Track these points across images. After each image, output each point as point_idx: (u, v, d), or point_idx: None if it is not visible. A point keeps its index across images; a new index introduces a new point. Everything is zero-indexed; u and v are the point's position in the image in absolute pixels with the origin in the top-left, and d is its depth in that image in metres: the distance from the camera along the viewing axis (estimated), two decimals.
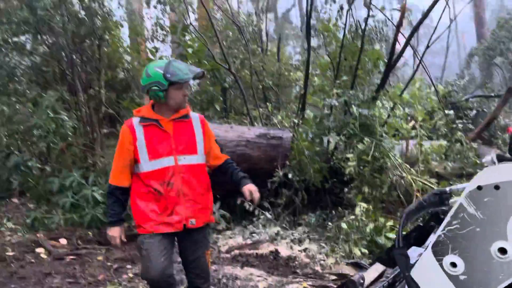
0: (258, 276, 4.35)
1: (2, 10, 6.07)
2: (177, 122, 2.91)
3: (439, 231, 2.13)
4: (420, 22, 6.04)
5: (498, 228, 1.94)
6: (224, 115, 8.74)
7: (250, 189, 2.99)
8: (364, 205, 4.93)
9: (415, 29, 6.21)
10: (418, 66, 6.80)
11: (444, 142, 7.41)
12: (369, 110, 5.75)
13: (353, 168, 5.51)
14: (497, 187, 1.94)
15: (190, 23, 8.67)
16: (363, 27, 6.12)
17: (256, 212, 6.20)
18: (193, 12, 9.50)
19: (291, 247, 5.31)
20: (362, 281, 2.46)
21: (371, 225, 4.87)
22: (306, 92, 6.64)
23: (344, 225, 4.79)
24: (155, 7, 9.90)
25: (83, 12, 7.40)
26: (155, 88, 2.79)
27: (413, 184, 5.65)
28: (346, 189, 6.10)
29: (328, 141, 6.16)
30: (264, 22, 12.08)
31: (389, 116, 6.55)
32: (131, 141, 2.86)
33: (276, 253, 5.12)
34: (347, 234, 4.77)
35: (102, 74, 8.32)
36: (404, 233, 2.35)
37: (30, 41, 7.80)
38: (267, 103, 8.92)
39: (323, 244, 5.30)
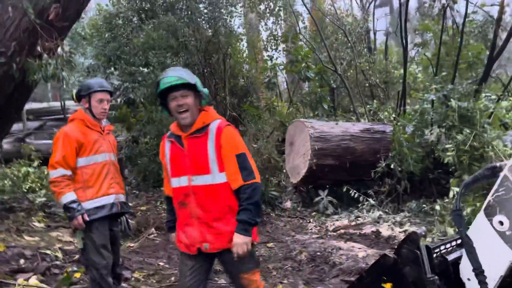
0: (359, 249, 5.11)
1: (155, 39, 7.80)
2: (191, 138, 2.62)
3: (489, 197, 2.74)
4: None
5: None
6: (332, 113, 9.52)
7: (235, 241, 2.55)
8: (456, 189, 5.33)
9: None
10: None
11: None
12: (469, 103, 6.03)
13: (452, 157, 5.87)
14: None
15: (299, 32, 9.66)
16: (461, 23, 6.38)
17: (361, 199, 6.92)
18: (302, 21, 10.47)
19: (392, 229, 5.93)
20: (424, 233, 3.12)
21: (468, 209, 5.24)
22: (405, 88, 7.11)
23: (437, 207, 5.26)
24: (268, 19, 11.12)
25: (210, 31, 8.91)
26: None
27: None
28: (451, 179, 6.43)
29: (431, 133, 6.58)
30: (372, 21, 12.49)
31: (495, 107, 6.67)
32: (163, 156, 2.77)
33: (377, 232, 5.80)
34: (442, 216, 5.24)
35: (226, 83, 9.80)
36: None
37: (169, 59, 9.62)
38: (374, 100, 9.47)
39: (423, 227, 5.79)
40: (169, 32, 7.55)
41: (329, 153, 7.20)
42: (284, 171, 8.23)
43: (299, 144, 7.55)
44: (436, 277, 2.87)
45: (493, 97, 6.83)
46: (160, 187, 9.59)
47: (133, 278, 4.42)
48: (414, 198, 7.03)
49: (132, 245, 5.64)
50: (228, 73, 10.44)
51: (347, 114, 9.66)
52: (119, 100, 10.29)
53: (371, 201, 6.76)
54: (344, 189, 7.08)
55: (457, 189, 5.36)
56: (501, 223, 2.67)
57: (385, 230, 5.89)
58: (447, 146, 5.97)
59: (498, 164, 2.98)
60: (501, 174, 2.67)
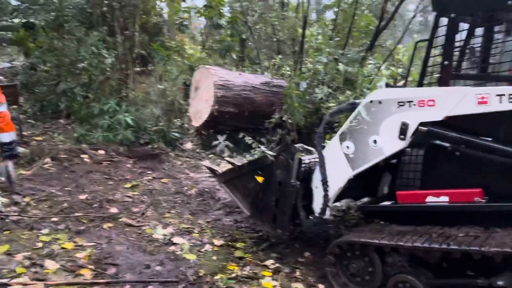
0: None
1: None
2: None
3: (344, 126, 3.42)
4: None
5: (376, 127, 3.23)
6: (239, 64, 9.91)
7: None
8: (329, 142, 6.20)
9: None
10: (404, 33, 7.72)
11: None
12: (354, 68, 6.82)
13: None
14: (380, 102, 3.18)
15: None
16: None
17: (254, 145, 7.58)
18: None
19: None
20: (301, 149, 3.81)
21: None
22: (303, 48, 7.74)
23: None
24: None
25: None
26: None
27: None
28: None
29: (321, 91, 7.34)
30: None
31: (376, 74, 7.61)
32: None
33: None
34: None
35: (137, 18, 9.57)
36: None
37: None
38: (279, 55, 10.03)
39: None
40: None
41: (230, 101, 7.66)
42: (188, 114, 8.56)
43: (203, 89, 7.88)
44: (298, 183, 3.62)
45: (377, 65, 7.74)
46: (58, 118, 9.36)
47: (23, 203, 4.57)
48: None
49: (24, 172, 5.66)
50: (141, 8, 10.16)
51: (254, 66, 10.12)
52: (16, 21, 9.53)
53: (263, 148, 7.45)
54: (241, 136, 7.66)
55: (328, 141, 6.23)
56: (348, 147, 3.42)
57: None
58: (331, 104, 6.77)
59: (357, 101, 3.68)
60: (357, 109, 3.36)
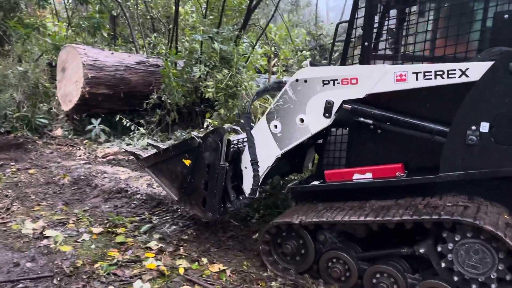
0: (123, 172, 5.59)
1: None
2: None
3: (271, 105, 3.43)
4: None
5: (302, 106, 3.23)
6: (112, 42, 9.36)
7: None
8: (210, 121, 6.31)
9: None
10: (274, 12, 8.11)
11: None
12: (229, 47, 6.95)
13: (212, 93, 6.79)
14: (306, 80, 3.19)
15: None
16: None
17: (133, 128, 7.33)
18: None
19: None
20: (229, 130, 3.75)
21: None
22: (177, 26, 7.63)
23: (194, 133, 6.12)
24: None
25: None
26: None
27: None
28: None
29: (199, 70, 7.34)
30: None
31: (251, 53, 7.85)
32: None
33: None
34: None
35: None
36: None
37: None
38: (154, 34, 9.71)
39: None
40: None
41: (103, 82, 7.24)
42: (56, 98, 7.87)
43: (71, 70, 7.29)
44: (227, 164, 3.57)
45: (251, 43, 7.99)
46: None
47: None
48: (182, 128, 7.86)
49: None
50: None
51: (128, 45, 9.65)
52: None
53: (142, 130, 7.24)
54: (118, 118, 7.33)
55: (210, 120, 6.33)
56: (276, 126, 3.45)
57: None
58: (209, 83, 6.84)
59: (284, 80, 3.69)
60: (283, 88, 3.38)
